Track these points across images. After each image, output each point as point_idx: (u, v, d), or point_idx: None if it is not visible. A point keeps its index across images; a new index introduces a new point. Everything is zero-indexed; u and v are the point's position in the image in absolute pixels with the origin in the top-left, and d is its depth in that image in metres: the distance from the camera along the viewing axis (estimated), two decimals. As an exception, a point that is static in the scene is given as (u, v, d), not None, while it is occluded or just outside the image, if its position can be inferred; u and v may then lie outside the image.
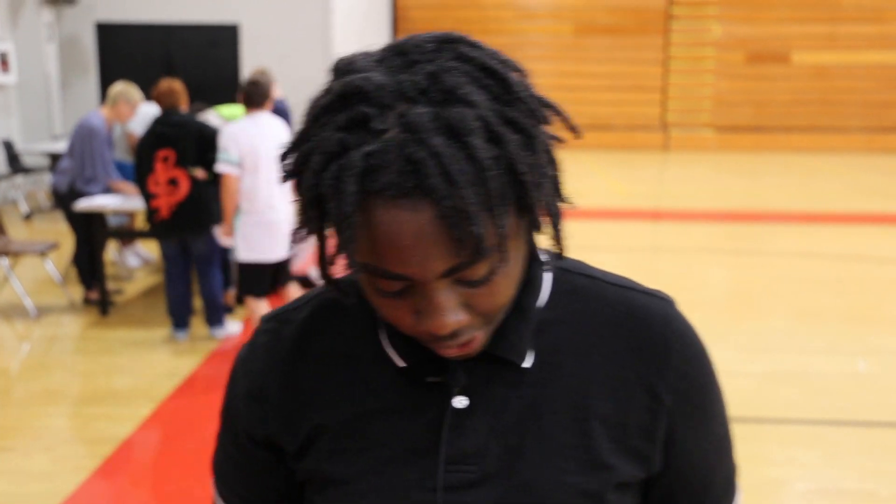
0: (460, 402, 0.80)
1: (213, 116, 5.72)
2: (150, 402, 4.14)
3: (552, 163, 0.73)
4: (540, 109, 0.71)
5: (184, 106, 4.86)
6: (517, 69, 0.73)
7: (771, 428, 3.89)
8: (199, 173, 4.72)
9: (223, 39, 10.55)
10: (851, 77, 14.81)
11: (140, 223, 7.04)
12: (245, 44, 10.51)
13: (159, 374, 4.53)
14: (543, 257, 0.83)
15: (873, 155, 14.23)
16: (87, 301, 5.76)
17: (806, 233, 8.44)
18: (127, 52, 10.64)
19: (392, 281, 0.70)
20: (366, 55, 0.72)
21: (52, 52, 10.45)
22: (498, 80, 0.69)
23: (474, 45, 0.71)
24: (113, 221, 6.07)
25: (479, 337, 0.75)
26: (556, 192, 0.73)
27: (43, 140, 9.87)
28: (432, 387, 0.81)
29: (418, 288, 0.70)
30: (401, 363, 0.81)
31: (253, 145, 4.31)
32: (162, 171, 4.70)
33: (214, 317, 4.94)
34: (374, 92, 0.67)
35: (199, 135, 4.70)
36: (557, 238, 0.75)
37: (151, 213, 4.80)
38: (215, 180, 4.65)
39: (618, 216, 9.10)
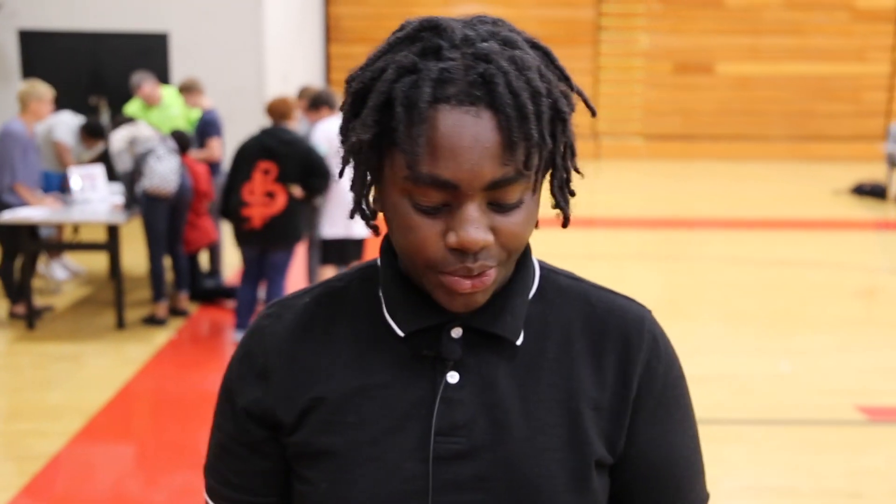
0: (452, 377, 0.85)
1: (144, 127, 5.64)
2: (81, 416, 4.06)
3: (572, 135, 0.85)
4: (571, 82, 0.84)
5: (292, 121, 5.02)
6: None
7: (699, 428, 4.00)
8: (297, 191, 4.87)
9: (152, 48, 10.37)
10: (773, 87, 15.29)
11: (68, 235, 6.89)
12: (175, 53, 10.36)
13: (90, 388, 4.45)
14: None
15: (795, 162, 14.72)
16: (12, 315, 5.61)
17: (732, 239, 8.68)
18: (52, 61, 10.38)
19: (435, 192, 0.76)
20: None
21: (-27, 61, 10.14)
22: (542, 52, 0.83)
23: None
24: (41, 233, 5.93)
25: (492, 274, 0.80)
26: (572, 159, 0.85)
27: (-36, 151, 9.55)
28: (427, 362, 0.86)
29: (456, 204, 0.77)
30: (400, 333, 0.86)
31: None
32: (260, 182, 4.82)
33: None
34: (449, 30, 0.78)
35: (307, 157, 4.87)
36: (564, 202, 0.86)
37: (242, 220, 4.88)
38: (309, 199, 5.01)
39: (552, 224, 9.22)
